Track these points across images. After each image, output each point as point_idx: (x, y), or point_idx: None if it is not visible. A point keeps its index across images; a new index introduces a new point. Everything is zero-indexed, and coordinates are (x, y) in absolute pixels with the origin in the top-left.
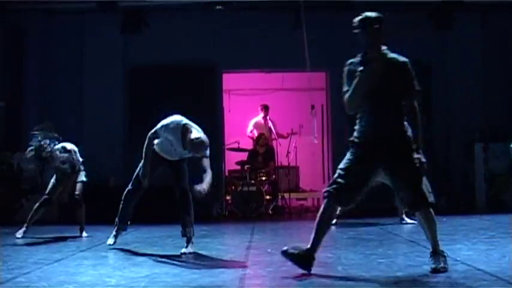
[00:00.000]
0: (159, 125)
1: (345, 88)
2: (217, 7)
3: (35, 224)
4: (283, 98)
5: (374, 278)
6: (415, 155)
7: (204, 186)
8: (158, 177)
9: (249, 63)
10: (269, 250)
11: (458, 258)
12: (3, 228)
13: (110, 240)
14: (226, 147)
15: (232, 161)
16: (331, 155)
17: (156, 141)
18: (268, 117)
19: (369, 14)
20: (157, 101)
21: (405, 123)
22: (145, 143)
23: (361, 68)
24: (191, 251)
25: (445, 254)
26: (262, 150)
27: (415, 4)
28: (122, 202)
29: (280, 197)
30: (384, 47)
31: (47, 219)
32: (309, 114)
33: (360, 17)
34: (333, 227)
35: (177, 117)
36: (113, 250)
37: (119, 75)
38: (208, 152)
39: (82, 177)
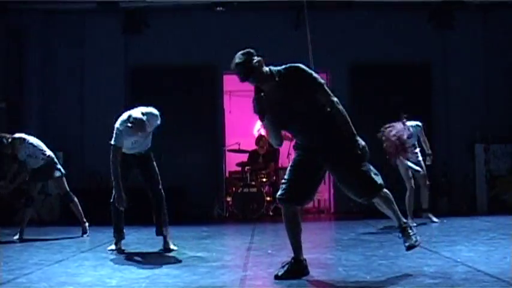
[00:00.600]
0: (114, 135)
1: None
2: (218, 8)
3: (36, 225)
4: None
5: (374, 279)
6: (355, 143)
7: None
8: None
9: None
10: (270, 251)
11: (458, 260)
12: (3, 229)
13: (111, 247)
14: (227, 148)
15: (232, 162)
16: None
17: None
18: None
19: (237, 61)
20: (158, 101)
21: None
22: (112, 166)
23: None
24: (174, 248)
25: (410, 225)
26: (263, 151)
27: (415, 4)
28: (112, 215)
29: None
30: (267, 69)
31: (47, 220)
32: None
33: (234, 68)
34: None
35: (122, 117)
36: (114, 251)
37: (119, 75)
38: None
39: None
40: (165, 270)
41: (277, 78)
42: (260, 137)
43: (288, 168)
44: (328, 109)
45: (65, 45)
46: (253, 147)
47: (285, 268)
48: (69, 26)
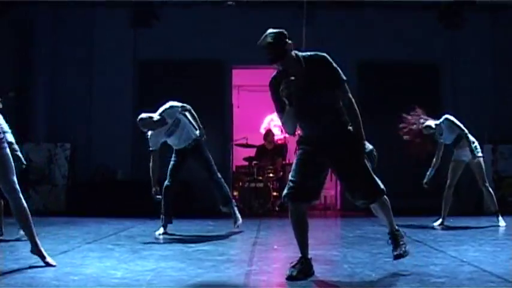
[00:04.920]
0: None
1: (278, 114)
2: (229, 2)
3: (42, 216)
4: None
5: (380, 277)
6: (362, 146)
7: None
8: (165, 171)
9: (259, 59)
10: (275, 247)
11: (465, 259)
12: (10, 219)
13: (160, 231)
14: (234, 143)
15: (240, 156)
16: None
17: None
18: None
19: (269, 40)
20: (166, 95)
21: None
22: (150, 172)
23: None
24: (239, 222)
25: (403, 233)
26: (270, 146)
27: (425, 4)
28: (162, 203)
29: None
30: (294, 53)
31: (53, 210)
32: None
33: (265, 47)
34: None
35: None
36: (119, 243)
37: (128, 68)
38: (167, 112)
39: None
40: (170, 263)
41: (303, 65)
42: (268, 132)
43: (293, 165)
44: (343, 106)
45: (74, 37)
46: (261, 142)
47: (298, 268)
48: (78, 19)
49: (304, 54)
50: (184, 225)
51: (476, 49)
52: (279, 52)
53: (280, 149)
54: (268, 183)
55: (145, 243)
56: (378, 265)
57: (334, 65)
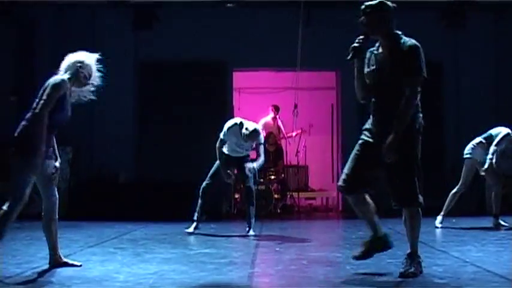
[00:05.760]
0: (222, 133)
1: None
2: (229, 4)
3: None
4: (294, 97)
5: (383, 278)
6: (414, 151)
7: (254, 165)
8: (168, 174)
9: (260, 61)
10: (277, 249)
11: (467, 260)
12: (13, 223)
13: (190, 229)
14: None
15: None
16: (341, 154)
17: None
18: (278, 117)
19: (370, 2)
20: (168, 97)
21: (418, 113)
22: (217, 153)
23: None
24: (252, 233)
25: (421, 260)
26: (272, 149)
27: (427, 3)
28: (200, 199)
29: (289, 196)
30: (391, 28)
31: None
32: (319, 113)
33: (364, 7)
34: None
35: (233, 120)
36: (121, 246)
37: (129, 71)
38: (261, 138)
39: None
40: (172, 266)
41: (394, 43)
42: (269, 134)
43: (351, 156)
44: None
45: (75, 40)
46: None
47: (365, 246)
48: (79, 20)
49: (402, 36)
50: (186, 228)
51: (478, 49)
52: (368, 11)
53: (281, 151)
54: (270, 185)
55: (147, 246)
56: (381, 266)
57: (422, 58)
